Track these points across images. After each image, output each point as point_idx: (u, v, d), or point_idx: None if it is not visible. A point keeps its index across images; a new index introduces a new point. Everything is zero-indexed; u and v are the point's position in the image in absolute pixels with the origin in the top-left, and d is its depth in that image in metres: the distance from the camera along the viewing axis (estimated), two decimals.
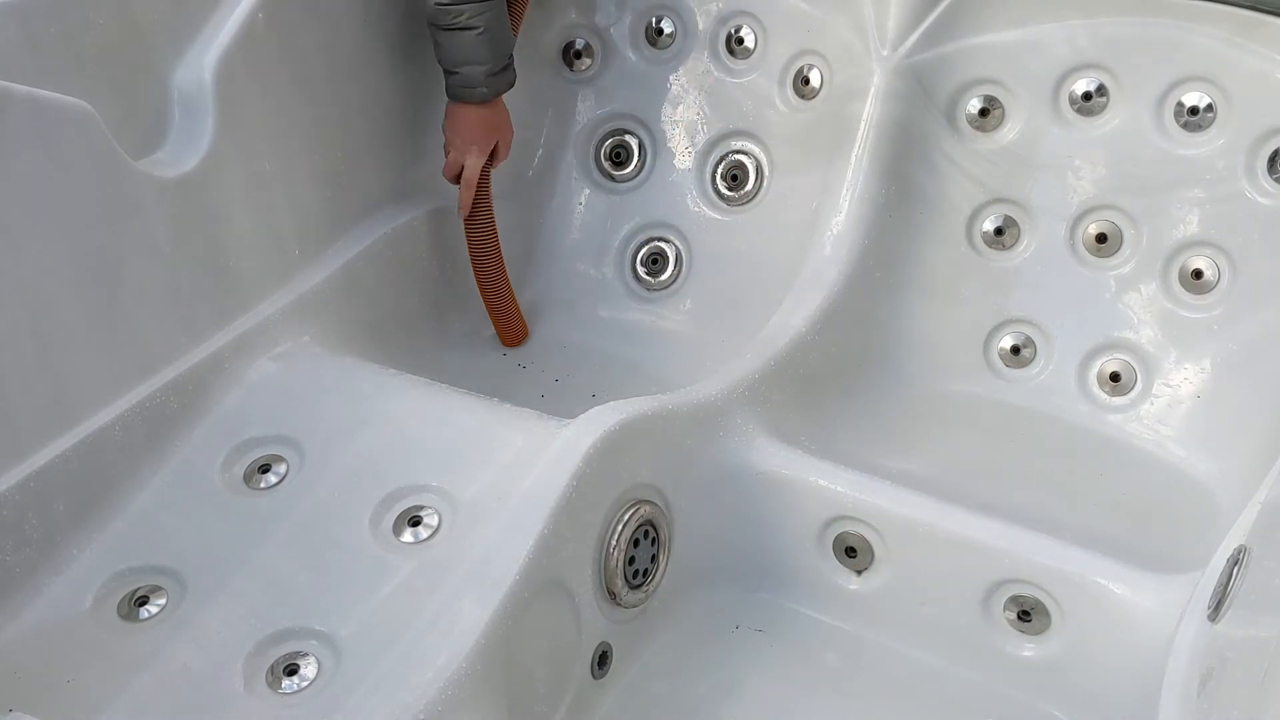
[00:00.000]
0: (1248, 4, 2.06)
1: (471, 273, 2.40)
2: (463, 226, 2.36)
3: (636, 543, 1.79)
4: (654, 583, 1.85)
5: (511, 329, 2.43)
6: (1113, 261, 2.21)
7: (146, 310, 1.80)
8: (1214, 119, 2.11)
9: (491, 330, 2.45)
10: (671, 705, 1.82)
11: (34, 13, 1.71)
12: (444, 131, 2.30)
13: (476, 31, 2.15)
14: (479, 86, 2.21)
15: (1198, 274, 2.15)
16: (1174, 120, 2.14)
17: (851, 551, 1.89)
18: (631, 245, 2.54)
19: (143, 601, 1.63)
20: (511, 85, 2.28)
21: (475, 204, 2.31)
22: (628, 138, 2.54)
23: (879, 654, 1.90)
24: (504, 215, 2.33)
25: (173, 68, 1.90)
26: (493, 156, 2.31)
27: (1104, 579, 1.72)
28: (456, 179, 2.31)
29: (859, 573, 1.90)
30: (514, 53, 2.29)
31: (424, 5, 2.17)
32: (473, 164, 2.28)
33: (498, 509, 1.68)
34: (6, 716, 1.29)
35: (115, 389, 1.75)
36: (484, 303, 2.41)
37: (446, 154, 2.31)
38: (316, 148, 2.12)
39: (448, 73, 2.23)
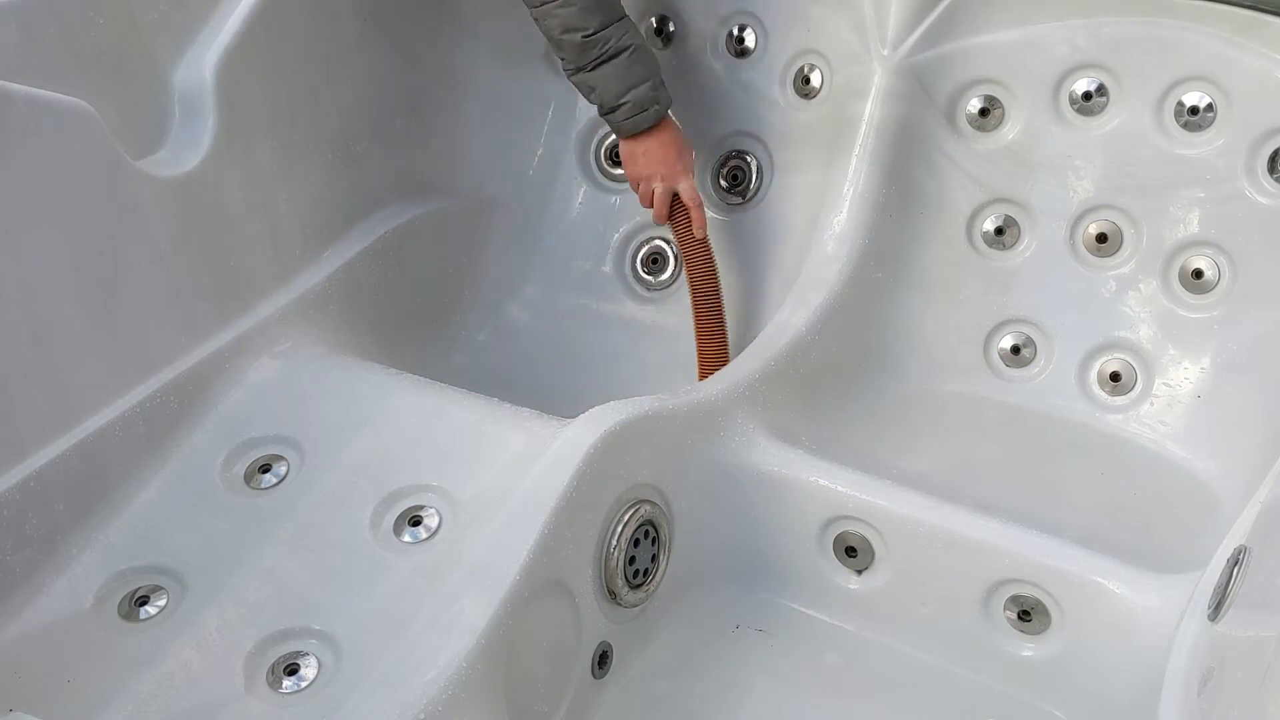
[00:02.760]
0: (1248, 4, 2.05)
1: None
2: (685, 267, 2.27)
3: (637, 543, 1.79)
4: (654, 583, 1.85)
5: (713, 370, 2.22)
6: (1113, 261, 2.21)
7: (146, 310, 1.79)
8: (1214, 119, 2.10)
9: (490, 330, 2.44)
10: (671, 705, 1.82)
11: (34, 13, 1.71)
12: (630, 181, 2.21)
13: (629, 51, 2.06)
14: (653, 105, 2.11)
15: (1198, 274, 2.15)
16: (1174, 120, 2.14)
17: (851, 551, 1.89)
18: (632, 244, 2.53)
19: (143, 601, 1.63)
20: (671, 100, 2.19)
21: (698, 241, 2.22)
22: None
23: (879, 654, 1.89)
24: (504, 215, 2.33)
25: (173, 68, 1.90)
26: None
27: (1104, 579, 1.72)
28: (667, 217, 2.22)
29: (859, 573, 1.90)
30: (514, 51, 2.28)
31: (565, 53, 2.08)
32: (686, 186, 2.19)
33: (498, 509, 1.67)
34: (6, 716, 1.29)
35: (115, 389, 1.75)
36: (697, 340, 2.27)
37: (643, 199, 2.22)
38: (316, 147, 2.12)
39: (613, 110, 2.12)
